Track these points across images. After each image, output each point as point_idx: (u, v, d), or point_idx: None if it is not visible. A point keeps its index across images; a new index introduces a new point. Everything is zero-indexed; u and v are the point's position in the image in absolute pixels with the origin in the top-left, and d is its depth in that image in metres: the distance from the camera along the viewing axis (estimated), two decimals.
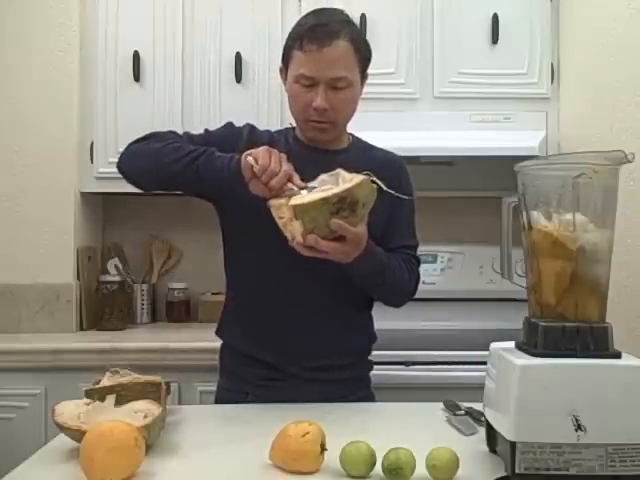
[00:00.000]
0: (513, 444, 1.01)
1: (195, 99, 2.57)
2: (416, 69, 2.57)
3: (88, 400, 1.25)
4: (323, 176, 1.40)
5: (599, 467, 1.00)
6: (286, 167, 1.38)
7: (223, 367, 1.68)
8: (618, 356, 1.05)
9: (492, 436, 1.16)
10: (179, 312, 2.79)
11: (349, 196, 1.33)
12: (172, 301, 2.80)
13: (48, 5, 2.52)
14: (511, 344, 1.14)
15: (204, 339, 2.17)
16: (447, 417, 1.42)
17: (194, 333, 2.48)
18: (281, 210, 1.36)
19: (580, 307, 1.10)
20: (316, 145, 1.59)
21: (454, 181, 2.75)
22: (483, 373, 1.21)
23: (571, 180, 1.10)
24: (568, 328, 1.05)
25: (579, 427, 1.00)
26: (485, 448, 1.19)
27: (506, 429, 1.04)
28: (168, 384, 1.36)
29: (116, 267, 2.73)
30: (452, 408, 1.45)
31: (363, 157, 1.61)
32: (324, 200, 1.32)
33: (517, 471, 1.01)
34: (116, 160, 1.61)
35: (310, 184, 1.39)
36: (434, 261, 2.69)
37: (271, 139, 1.61)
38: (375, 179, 1.36)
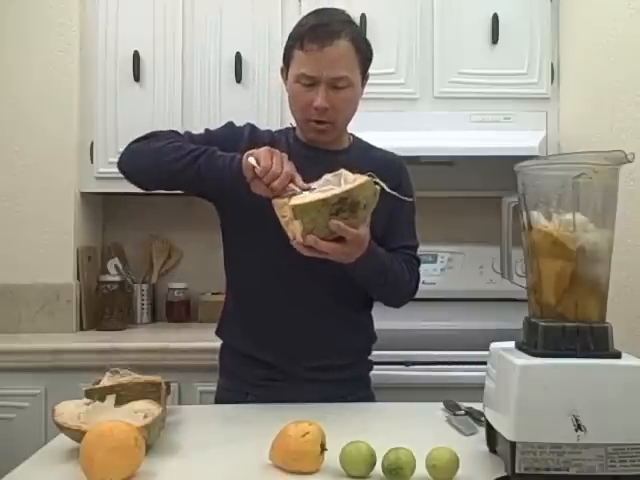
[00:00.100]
0: (513, 444, 1.01)
1: (195, 99, 2.58)
2: (416, 69, 2.57)
3: (88, 400, 1.25)
4: (327, 176, 1.39)
5: (599, 467, 1.00)
6: (288, 168, 1.38)
7: (223, 367, 1.68)
8: (618, 356, 1.05)
9: (492, 436, 1.16)
10: (179, 312, 2.79)
11: (349, 197, 1.32)
12: (172, 301, 2.80)
13: (48, 5, 2.52)
14: (511, 344, 1.14)
15: (204, 339, 2.17)
16: (447, 417, 1.42)
17: (194, 333, 2.48)
18: (283, 209, 1.36)
19: (580, 307, 1.10)
20: (317, 145, 1.59)
21: (454, 181, 2.75)
22: (483, 373, 1.21)
23: (571, 180, 1.10)
24: (568, 328, 1.05)
25: (579, 427, 1.00)
26: (485, 448, 1.19)
27: (506, 429, 1.04)
28: (168, 384, 1.36)
29: (116, 267, 2.73)
30: (452, 408, 1.45)
31: (363, 157, 1.61)
32: (324, 201, 1.32)
33: (517, 471, 1.01)
34: (116, 160, 1.60)
35: (313, 184, 1.38)
36: (434, 261, 2.69)
37: (272, 139, 1.61)
38: (378, 180, 1.36)
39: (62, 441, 1.21)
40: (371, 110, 2.14)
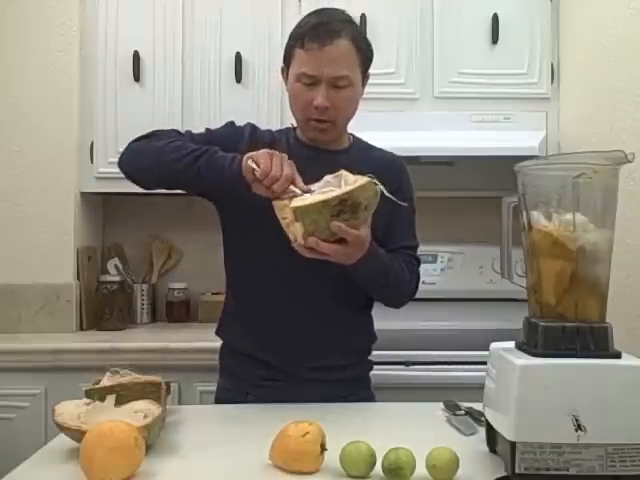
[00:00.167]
0: (513, 444, 1.01)
1: (195, 99, 2.58)
2: (416, 69, 2.57)
3: (88, 400, 1.25)
4: (327, 177, 1.39)
5: (599, 467, 1.00)
6: (287, 170, 1.37)
7: (223, 367, 1.68)
8: (618, 356, 1.05)
9: (492, 436, 1.16)
10: (179, 312, 2.79)
11: (350, 198, 1.32)
12: (172, 301, 2.80)
13: (48, 5, 2.52)
14: (511, 344, 1.14)
15: (204, 339, 2.17)
16: (447, 417, 1.42)
17: (194, 333, 2.48)
18: (284, 211, 1.36)
19: (580, 307, 1.10)
20: (317, 145, 1.59)
21: (454, 181, 2.75)
22: (483, 373, 1.21)
23: (571, 180, 1.10)
24: (568, 328, 1.05)
25: (579, 427, 1.00)
26: (485, 448, 1.19)
27: (506, 429, 1.04)
28: (168, 384, 1.36)
29: (116, 267, 2.73)
30: (452, 408, 1.45)
31: (364, 157, 1.61)
32: (324, 202, 1.31)
33: (517, 471, 1.01)
34: (116, 160, 1.60)
35: (313, 186, 1.38)
36: (434, 261, 2.69)
37: (272, 139, 1.61)
38: (377, 182, 1.36)
39: (62, 441, 1.21)
40: (371, 110, 2.14)
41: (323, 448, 1.10)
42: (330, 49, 1.48)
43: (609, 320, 1.10)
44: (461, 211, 2.81)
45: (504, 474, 1.06)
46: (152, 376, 1.34)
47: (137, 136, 1.58)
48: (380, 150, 1.69)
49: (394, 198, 1.40)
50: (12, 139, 2.51)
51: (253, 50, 2.58)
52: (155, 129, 1.60)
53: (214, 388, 1.69)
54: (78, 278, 2.56)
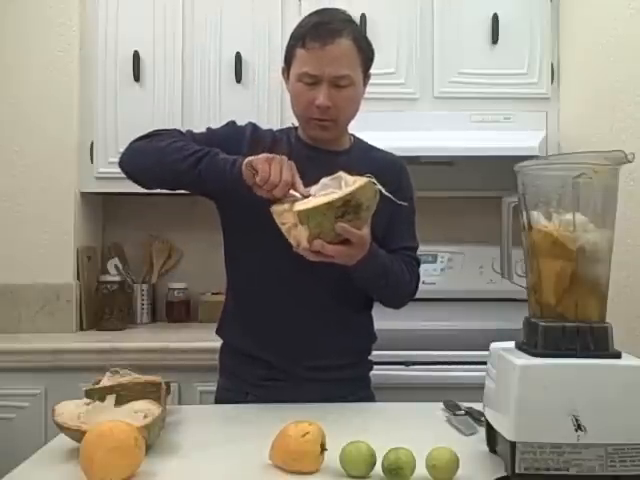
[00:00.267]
0: (513, 444, 1.01)
1: (195, 99, 2.58)
2: (416, 69, 2.58)
3: (88, 400, 1.25)
4: (325, 180, 1.39)
5: (599, 467, 1.00)
6: (286, 176, 1.36)
7: (223, 367, 1.68)
8: (618, 356, 1.05)
9: (492, 436, 1.16)
10: (179, 312, 2.79)
11: (353, 199, 1.32)
12: (172, 301, 2.80)
13: (48, 5, 2.52)
14: (511, 344, 1.14)
15: (204, 339, 2.18)
16: (447, 417, 1.42)
17: (194, 333, 2.48)
18: (284, 216, 1.35)
19: (580, 307, 1.10)
20: (318, 145, 1.59)
21: (454, 181, 2.75)
22: (483, 373, 1.21)
23: (571, 180, 1.10)
24: (568, 328, 1.05)
25: (579, 427, 1.00)
26: (485, 448, 1.19)
27: (506, 429, 1.04)
28: (168, 384, 1.36)
29: (116, 267, 2.73)
30: (452, 408, 1.45)
31: (364, 158, 1.61)
32: (329, 204, 1.31)
33: (517, 471, 1.01)
34: (116, 160, 1.60)
35: (312, 189, 1.38)
36: (434, 261, 2.69)
37: (273, 138, 1.61)
38: (375, 182, 1.36)
39: (62, 441, 1.21)
40: (371, 110, 2.12)
41: (323, 448, 1.10)
42: (331, 48, 1.48)
43: (609, 320, 1.10)
44: (461, 211, 2.82)
45: (504, 474, 1.06)
46: (152, 376, 1.34)
47: (138, 136, 1.58)
48: (381, 151, 1.69)
49: (393, 198, 1.40)
50: (12, 139, 2.51)
51: (253, 50, 2.58)
52: (156, 129, 1.60)
53: (214, 388, 1.69)
54: (78, 278, 2.56)
